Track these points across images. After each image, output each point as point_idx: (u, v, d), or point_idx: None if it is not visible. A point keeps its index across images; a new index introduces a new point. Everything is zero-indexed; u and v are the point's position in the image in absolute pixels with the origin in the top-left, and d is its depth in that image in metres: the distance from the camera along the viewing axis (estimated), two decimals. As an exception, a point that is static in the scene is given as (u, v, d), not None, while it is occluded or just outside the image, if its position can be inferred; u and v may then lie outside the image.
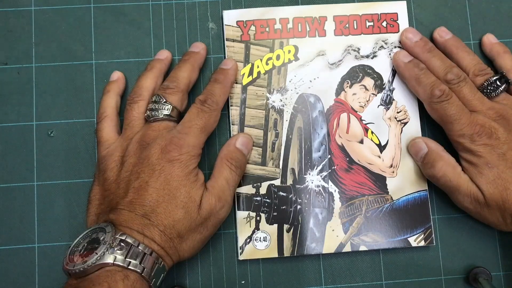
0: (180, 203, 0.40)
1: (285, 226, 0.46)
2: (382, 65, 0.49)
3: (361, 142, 0.48)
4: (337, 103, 0.48)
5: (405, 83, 0.48)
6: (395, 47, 0.49)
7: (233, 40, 0.49)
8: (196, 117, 0.43)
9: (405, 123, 0.48)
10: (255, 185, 0.47)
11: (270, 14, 0.49)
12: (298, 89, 0.48)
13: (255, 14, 0.49)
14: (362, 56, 0.49)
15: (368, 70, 0.49)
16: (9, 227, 0.46)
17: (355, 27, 0.49)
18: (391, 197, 0.47)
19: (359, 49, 0.49)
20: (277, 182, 0.47)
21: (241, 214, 0.46)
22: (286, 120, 0.48)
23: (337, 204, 0.47)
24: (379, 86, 0.49)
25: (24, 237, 0.46)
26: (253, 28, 0.49)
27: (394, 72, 0.49)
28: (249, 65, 0.48)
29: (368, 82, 0.49)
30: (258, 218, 0.46)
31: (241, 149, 0.46)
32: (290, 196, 0.47)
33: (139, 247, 0.38)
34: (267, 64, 0.49)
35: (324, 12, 0.49)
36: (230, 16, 0.49)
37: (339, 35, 0.49)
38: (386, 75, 0.49)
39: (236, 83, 0.48)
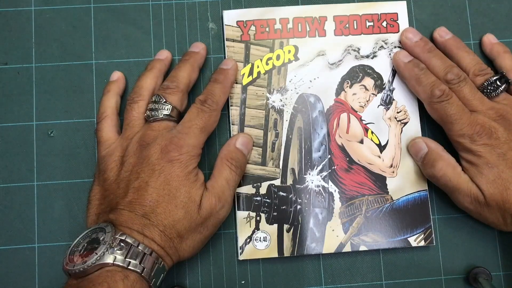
0: (180, 203, 0.40)
1: (285, 226, 0.46)
2: (382, 65, 0.49)
3: (361, 142, 0.48)
4: (337, 103, 0.48)
5: (405, 83, 0.48)
6: (395, 47, 0.49)
7: (233, 40, 0.49)
8: (196, 117, 0.43)
9: (405, 123, 0.48)
10: (255, 185, 0.47)
11: (270, 14, 0.49)
12: (298, 89, 0.48)
13: (255, 14, 0.49)
14: (362, 56, 0.49)
15: (368, 70, 0.49)
16: (9, 227, 0.46)
17: (355, 27, 0.49)
18: (391, 197, 0.47)
19: (359, 49, 0.49)
20: (277, 182, 0.47)
21: (241, 214, 0.46)
22: (286, 120, 0.48)
23: (337, 204, 0.47)
24: (379, 86, 0.49)
25: (24, 237, 0.46)
26: (253, 28, 0.49)
27: (394, 72, 0.49)
28: (249, 65, 0.48)
29: (368, 82, 0.49)
30: (258, 218, 0.46)
31: (241, 149, 0.46)
32: (290, 196, 0.47)
33: (139, 247, 0.38)
34: (267, 64, 0.49)
35: (324, 12, 0.49)
36: (230, 16, 0.49)
37: (339, 35, 0.49)
38: (386, 75, 0.49)
39: (236, 83, 0.48)
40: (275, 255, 0.46)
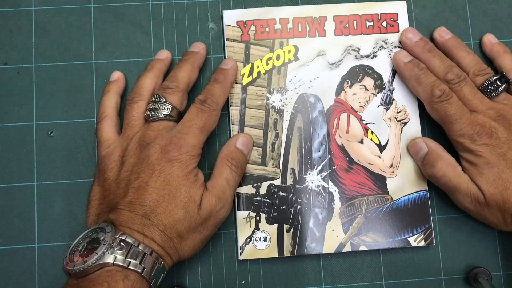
0: (180, 203, 0.40)
1: (285, 226, 0.46)
2: (382, 65, 0.49)
3: (361, 142, 0.48)
4: (337, 103, 0.48)
5: (405, 83, 0.48)
6: (395, 47, 0.49)
7: (233, 40, 0.49)
8: (196, 116, 0.43)
9: (405, 123, 0.48)
10: (255, 185, 0.47)
11: (270, 14, 0.49)
12: (298, 89, 0.48)
13: (255, 14, 0.49)
14: (362, 56, 0.49)
15: (368, 70, 0.49)
16: (9, 227, 0.46)
17: (355, 27, 0.49)
18: (391, 197, 0.47)
19: (359, 49, 0.49)
20: (277, 182, 0.47)
21: (241, 214, 0.46)
22: (286, 120, 0.48)
23: (337, 204, 0.47)
24: (379, 86, 0.49)
25: (24, 237, 0.46)
26: (253, 28, 0.49)
27: (394, 72, 0.49)
28: (249, 65, 0.48)
29: (368, 82, 0.49)
30: (258, 218, 0.46)
31: (241, 149, 0.46)
32: (290, 196, 0.47)
33: (139, 247, 0.38)
34: (267, 64, 0.49)
35: (324, 12, 0.49)
36: (230, 16, 0.49)
37: (339, 35, 0.49)
38: (386, 75, 0.49)
39: (236, 83, 0.48)
40: (275, 255, 0.46)
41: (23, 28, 0.49)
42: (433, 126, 0.48)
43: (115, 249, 0.37)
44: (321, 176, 0.47)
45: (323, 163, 0.47)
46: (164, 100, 0.44)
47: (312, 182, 0.47)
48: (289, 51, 0.49)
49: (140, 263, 0.38)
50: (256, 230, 0.46)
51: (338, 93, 0.49)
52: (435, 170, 0.45)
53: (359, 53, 0.49)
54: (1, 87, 0.48)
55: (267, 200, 0.47)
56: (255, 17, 0.49)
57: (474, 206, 0.44)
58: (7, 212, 0.46)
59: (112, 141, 0.45)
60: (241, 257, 0.46)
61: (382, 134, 0.48)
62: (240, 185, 0.47)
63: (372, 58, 0.49)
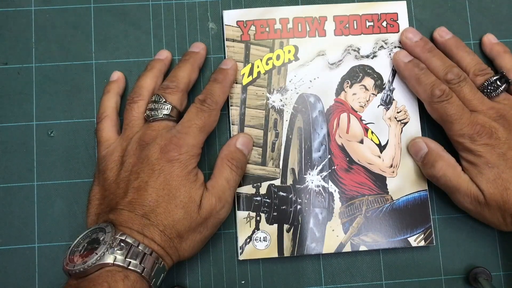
0: (179, 203, 0.40)
1: (285, 226, 0.46)
2: (382, 65, 0.49)
3: (361, 142, 0.48)
4: (337, 103, 0.48)
5: (405, 83, 0.48)
6: (395, 47, 0.49)
7: (233, 40, 0.49)
8: (195, 116, 0.43)
9: (405, 123, 0.48)
10: (255, 185, 0.47)
11: (270, 14, 0.49)
12: (298, 89, 0.48)
13: (255, 14, 0.49)
14: (362, 56, 0.49)
15: (368, 70, 0.49)
16: (9, 227, 0.46)
17: (355, 27, 0.49)
18: (391, 197, 0.47)
19: (359, 49, 0.49)
20: (277, 182, 0.47)
21: (241, 214, 0.46)
22: (286, 120, 0.48)
23: (337, 204, 0.47)
24: (379, 86, 0.49)
25: (24, 237, 0.46)
26: (253, 28, 0.49)
27: (394, 72, 0.49)
28: (249, 65, 0.48)
29: (368, 82, 0.49)
30: (258, 218, 0.46)
31: (241, 149, 0.46)
32: (290, 196, 0.47)
33: (139, 247, 0.38)
34: (267, 64, 0.49)
35: (324, 12, 0.49)
36: (230, 16, 0.49)
37: (339, 35, 0.49)
38: (386, 75, 0.49)
39: (236, 83, 0.48)
40: (275, 255, 0.46)
41: (23, 28, 0.49)
42: (433, 126, 0.48)
43: (115, 249, 0.37)
44: (321, 176, 0.47)
45: (323, 163, 0.47)
46: (164, 100, 0.44)
47: (312, 182, 0.47)
48: (289, 51, 0.49)
49: (140, 263, 0.38)
50: (256, 230, 0.46)
51: (338, 93, 0.49)
52: (435, 170, 0.45)
53: (359, 53, 0.49)
54: (1, 87, 0.48)
55: (267, 200, 0.47)
56: (255, 17, 0.49)
57: (474, 206, 0.44)
58: (7, 212, 0.46)
59: (112, 141, 0.45)
60: (241, 257, 0.46)
61: (382, 134, 0.48)
62: (240, 185, 0.47)
63: (372, 58, 0.49)
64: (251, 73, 0.48)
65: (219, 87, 0.45)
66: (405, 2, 0.50)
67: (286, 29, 0.49)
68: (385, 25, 0.50)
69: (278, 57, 0.49)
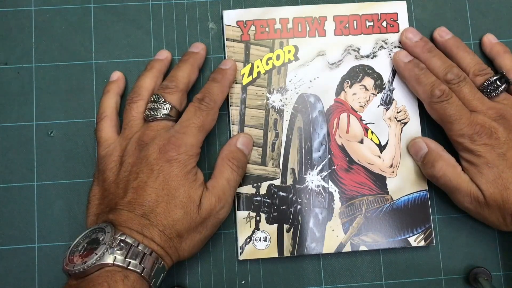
0: (179, 203, 0.40)
1: (285, 226, 0.46)
2: (382, 65, 0.49)
3: (361, 142, 0.48)
4: (337, 103, 0.48)
5: (405, 83, 0.48)
6: (395, 47, 0.49)
7: (233, 40, 0.49)
8: (194, 115, 0.43)
9: (405, 123, 0.48)
10: (255, 185, 0.47)
11: (270, 14, 0.49)
12: (298, 89, 0.48)
13: (255, 14, 0.49)
14: (362, 56, 0.49)
15: (368, 70, 0.49)
16: (9, 227, 0.46)
17: (355, 27, 0.49)
18: (391, 197, 0.47)
19: (359, 49, 0.49)
20: (277, 182, 0.47)
21: (241, 214, 0.46)
22: (286, 120, 0.48)
23: (337, 204, 0.47)
24: (379, 86, 0.49)
25: (24, 237, 0.46)
26: (253, 28, 0.49)
27: (394, 72, 0.49)
28: (249, 65, 0.48)
29: (368, 82, 0.49)
30: (258, 218, 0.46)
31: (242, 149, 0.46)
32: (290, 196, 0.47)
33: (139, 247, 0.38)
34: (267, 64, 0.49)
35: (324, 12, 0.49)
36: (230, 16, 0.49)
37: (339, 35, 0.49)
38: (386, 75, 0.49)
39: (236, 83, 0.48)
40: (275, 255, 0.46)
41: (23, 28, 0.49)
42: (433, 126, 0.48)
43: (115, 249, 0.37)
44: (321, 176, 0.47)
45: (323, 163, 0.47)
46: (163, 99, 0.44)
47: (312, 182, 0.47)
48: (289, 51, 0.49)
49: (139, 263, 0.38)
50: (256, 230, 0.46)
51: (338, 93, 0.49)
52: (435, 170, 0.45)
53: (359, 53, 0.49)
54: (1, 87, 0.48)
55: (267, 200, 0.47)
56: (255, 17, 0.49)
57: (474, 206, 0.44)
58: (7, 212, 0.46)
59: (111, 141, 0.45)
60: (241, 257, 0.46)
61: (382, 134, 0.48)
62: (240, 185, 0.47)
63: (372, 58, 0.49)
64: (251, 73, 0.48)
65: (217, 86, 0.45)
66: (405, 2, 0.50)
67: (286, 29, 0.49)
68: (385, 25, 0.50)
69: (278, 57, 0.49)
